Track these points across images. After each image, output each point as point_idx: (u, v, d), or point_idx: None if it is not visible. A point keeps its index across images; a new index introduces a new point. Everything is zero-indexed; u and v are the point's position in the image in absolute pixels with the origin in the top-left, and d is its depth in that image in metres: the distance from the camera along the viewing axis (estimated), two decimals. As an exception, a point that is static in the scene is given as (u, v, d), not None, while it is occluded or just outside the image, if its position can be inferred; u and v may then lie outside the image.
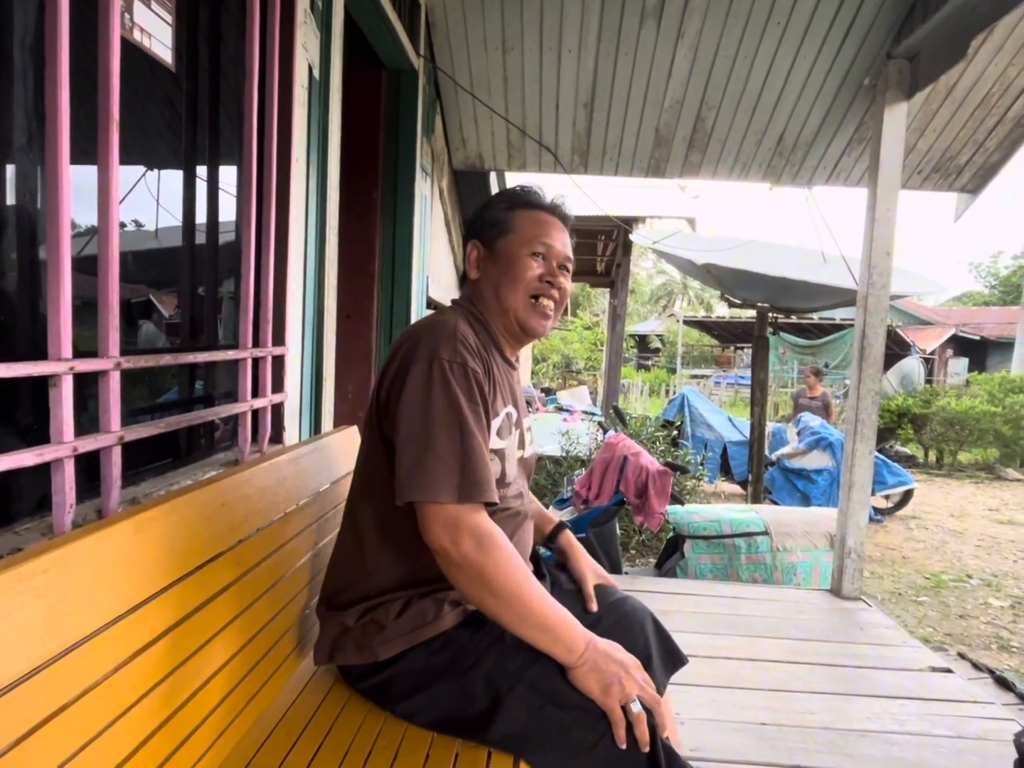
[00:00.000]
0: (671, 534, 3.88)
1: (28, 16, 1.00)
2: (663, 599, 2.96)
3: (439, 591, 1.12)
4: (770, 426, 7.19)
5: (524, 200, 1.27)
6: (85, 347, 1.06)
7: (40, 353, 0.98)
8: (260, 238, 1.64)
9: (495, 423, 1.15)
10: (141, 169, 1.32)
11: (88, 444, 1.03)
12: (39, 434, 1.00)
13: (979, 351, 18.47)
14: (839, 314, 13.36)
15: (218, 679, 1.02)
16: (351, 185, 2.71)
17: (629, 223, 7.09)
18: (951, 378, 15.49)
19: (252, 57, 1.54)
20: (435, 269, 4.14)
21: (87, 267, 1.07)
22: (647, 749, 0.96)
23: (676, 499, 3.29)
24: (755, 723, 2.02)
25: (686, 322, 21.13)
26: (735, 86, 3.50)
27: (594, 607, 1.30)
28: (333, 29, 2.05)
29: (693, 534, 3.64)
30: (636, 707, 0.98)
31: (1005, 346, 17.64)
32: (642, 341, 27.67)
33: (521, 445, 1.26)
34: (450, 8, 3.27)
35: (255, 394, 1.66)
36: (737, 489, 7.26)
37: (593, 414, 9.11)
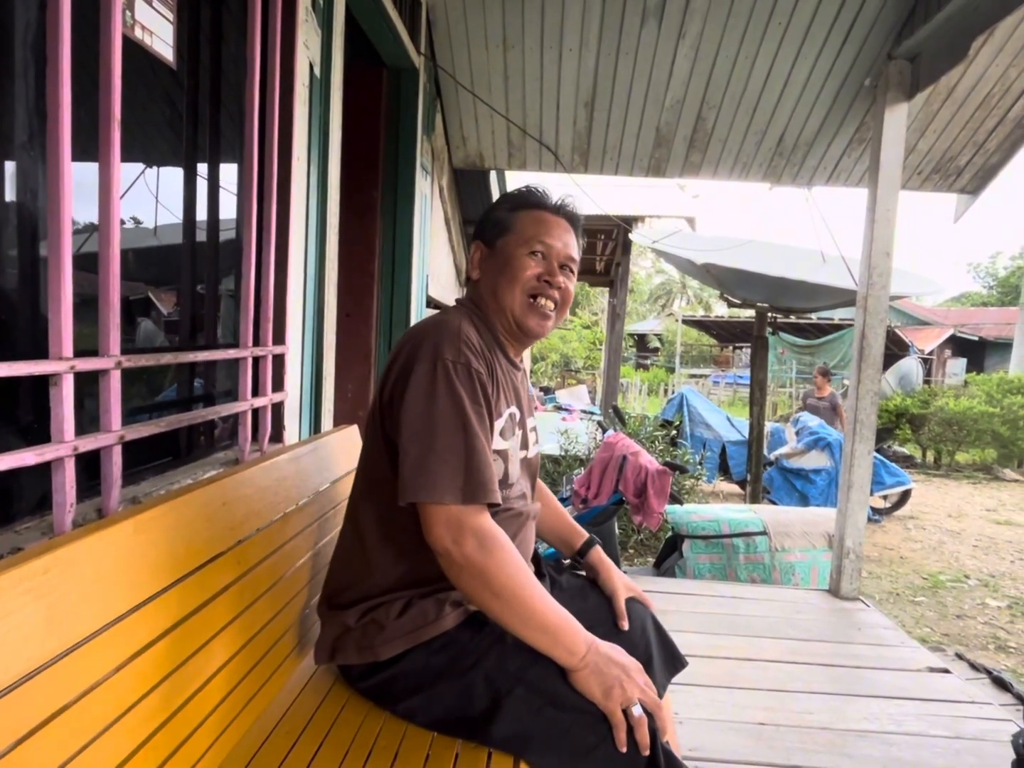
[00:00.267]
0: (670, 534, 3.89)
1: (30, 13, 0.99)
2: (662, 599, 2.97)
3: (440, 591, 1.12)
4: (769, 426, 7.20)
5: (527, 200, 1.26)
6: (84, 345, 1.06)
7: (40, 352, 0.97)
8: (261, 236, 1.64)
9: (498, 424, 1.14)
10: (141, 166, 1.31)
11: (89, 443, 1.02)
12: (39, 433, 1.00)
13: (977, 352, 18.50)
14: (838, 314, 13.37)
15: (218, 679, 1.02)
16: (351, 183, 2.71)
17: (629, 222, 7.09)
18: (949, 378, 15.51)
19: (253, 55, 1.54)
20: (435, 268, 4.13)
21: (87, 265, 1.06)
22: (647, 753, 0.96)
23: (675, 499, 3.29)
24: (753, 723, 2.02)
25: (685, 321, 21.13)
26: (736, 86, 3.50)
27: (625, 625, 1.28)
28: (334, 27, 2.05)
29: (692, 534, 3.65)
30: (637, 710, 0.97)
31: (1003, 347, 17.68)
32: (641, 340, 27.69)
33: (524, 446, 1.25)
34: (451, 6, 3.27)
35: (255, 393, 1.65)
36: (736, 489, 7.27)
37: (592, 413, 9.13)
